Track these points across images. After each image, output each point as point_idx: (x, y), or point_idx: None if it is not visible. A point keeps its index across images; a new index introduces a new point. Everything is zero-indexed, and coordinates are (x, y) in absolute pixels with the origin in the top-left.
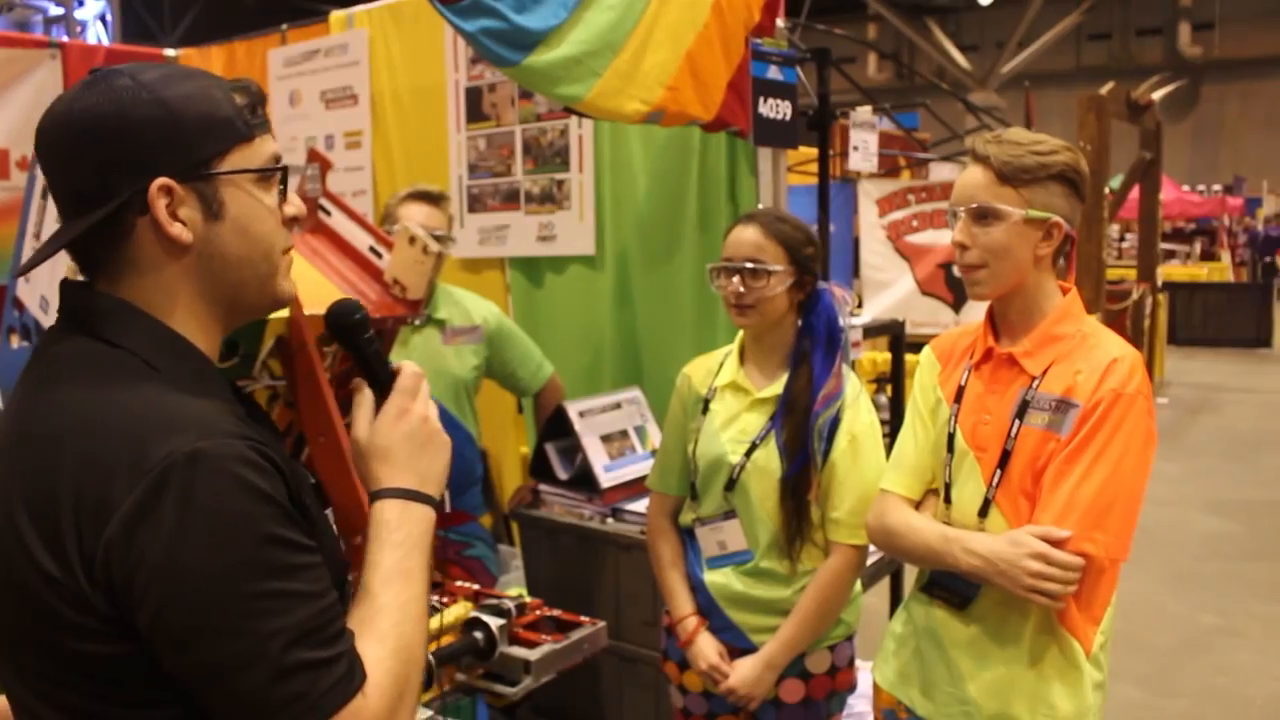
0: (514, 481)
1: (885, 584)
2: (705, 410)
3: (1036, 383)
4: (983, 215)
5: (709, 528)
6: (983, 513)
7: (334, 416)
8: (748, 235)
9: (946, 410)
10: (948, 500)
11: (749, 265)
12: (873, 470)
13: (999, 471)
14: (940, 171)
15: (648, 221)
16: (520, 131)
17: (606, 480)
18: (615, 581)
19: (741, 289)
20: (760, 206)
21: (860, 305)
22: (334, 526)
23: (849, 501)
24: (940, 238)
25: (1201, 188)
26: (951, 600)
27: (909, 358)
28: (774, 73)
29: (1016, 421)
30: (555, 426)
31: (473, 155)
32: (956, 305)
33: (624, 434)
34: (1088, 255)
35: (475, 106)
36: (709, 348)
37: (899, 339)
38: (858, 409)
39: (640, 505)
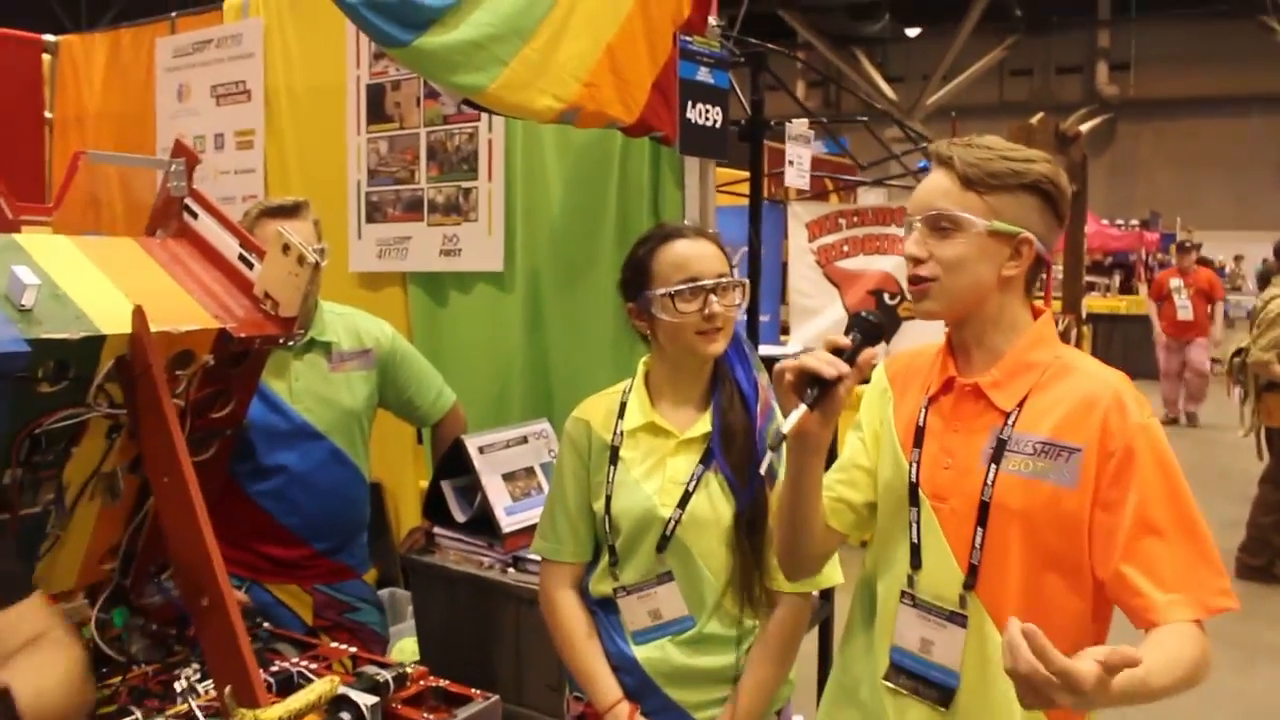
0: (413, 519)
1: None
2: (615, 460)
3: (1012, 419)
4: (940, 224)
5: (637, 596)
6: (967, 585)
7: (180, 455)
8: (706, 249)
9: (901, 458)
10: (916, 564)
11: (722, 281)
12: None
13: (980, 530)
14: (868, 197)
15: (562, 236)
16: (425, 135)
17: (508, 524)
18: (516, 639)
19: (720, 308)
20: (686, 221)
21: (787, 333)
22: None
23: None
24: (872, 264)
25: (1120, 222)
26: (929, 695)
27: None
28: (704, 75)
29: (992, 467)
30: (453, 462)
31: (373, 159)
32: (887, 336)
33: (529, 472)
34: None
35: (377, 106)
36: (625, 376)
37: None
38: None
39: None
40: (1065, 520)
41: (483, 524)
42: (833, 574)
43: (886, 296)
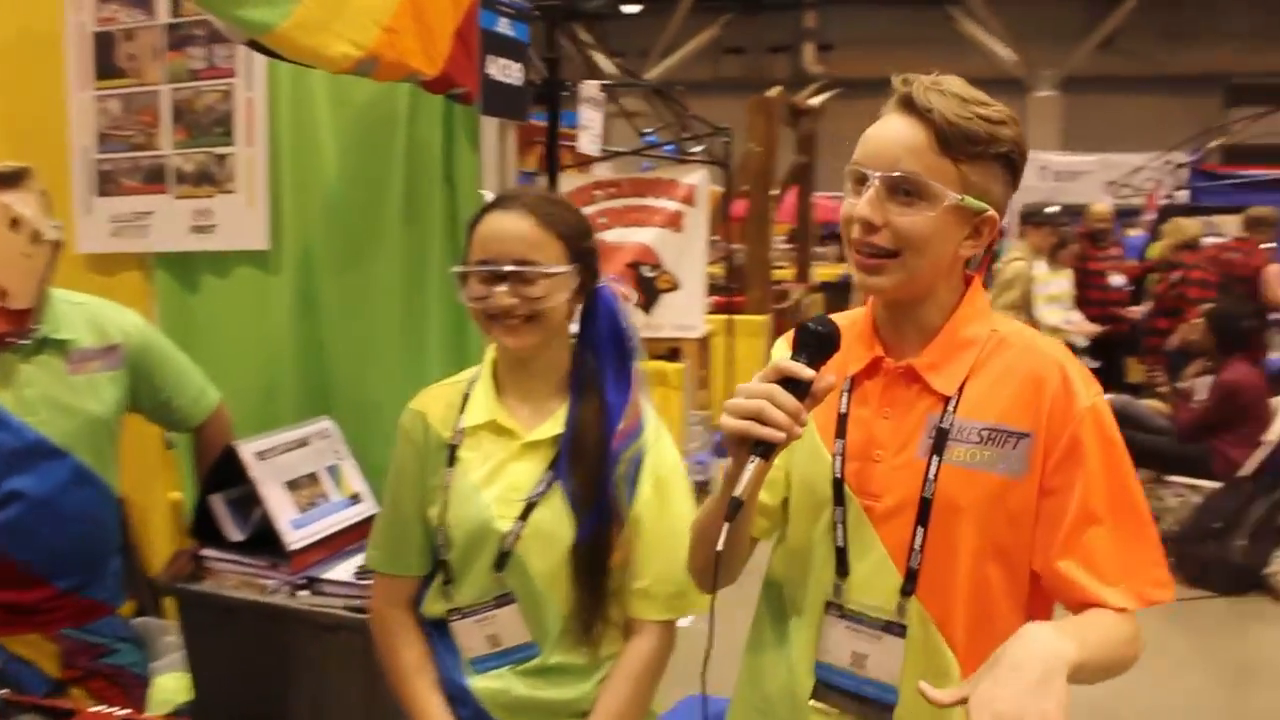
0: (163, 538)
1: None
2: (452, 461)
3: (952, 405)
4: (907, 190)
5: (474, 620)
6: (906, 590)
7: None
8: (514, 226)
9: (821, 450)
10: (843, 571)
11: (519, 268)
12: (683, 523)
13: (920, 530)
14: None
15: (339, 209)
16: (169, 92)
17: (296, 540)
18: (315, 675)
19: (514, 299)
20: (485, 190)
21: None
22: None
23: (657, 565)
24: (629, 236)
25: (833, 194)
26: (864, 714)
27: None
28: (504, 26)
29: (933, 459)
30: (223, 472)
31: (103, 122)
32: (646, 305)
33: (313, 478)
34: (757, 257)
35: (106, 58)
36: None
37: None
38: (660, 445)
39: (343, 570)
40: (1014, 512)
41: (263, 542)
42: (698, 600)
43: (645, 270)
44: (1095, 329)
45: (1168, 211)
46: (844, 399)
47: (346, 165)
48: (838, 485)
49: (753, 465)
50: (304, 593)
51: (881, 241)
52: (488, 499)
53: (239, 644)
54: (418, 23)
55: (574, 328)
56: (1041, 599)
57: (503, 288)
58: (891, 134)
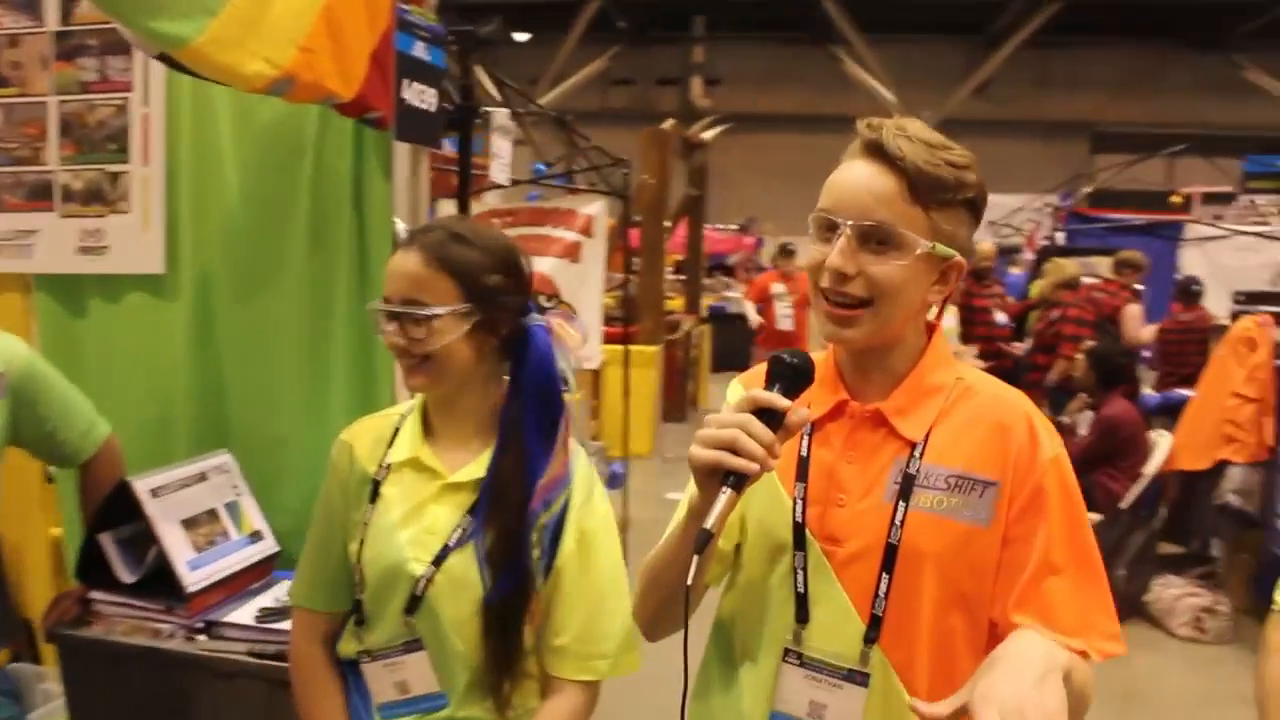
0: (41, 580)
1: None
2: (375, 497)
3: (919, 450)
4: (879, 239)
5: (383, 664)
6: (869, 638)
7: None
8: (403, 264)
9: (781, 494)
10: (803, 618)
11: (403, 308)
12: (608, 580)
13: (885, 576)
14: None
15: (242, 235)
16: (56, 105)
17: (193, 581)
18: None
19: (401, 340)
20: (397, 221)
21: None
22: None
23: (577, 623)
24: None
25: (720, 226)
26: None
27: None
28: (420, 50)
29: (900, 504)
30: (114, 509)
31: None
32: None
33: (212, 515)
34: (650, 287)
35: None
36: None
37: None
38: (591, 499)
39: (244, 613)
40: (977, 560)
41: (158, 583)
42: (630, 661)
43: (543, 299)
44: (981, 365)
45: (1046, 252)
46: (804, 442)
47: (250, 189)
48: (799, 529)
49: (724, 497)
50: (202, 637)
51: (855, 290)
52: (403, 539)
53: (129, 694)
54: (334, 43)
55: None
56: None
57: (391, 327)
58: (862, 182)
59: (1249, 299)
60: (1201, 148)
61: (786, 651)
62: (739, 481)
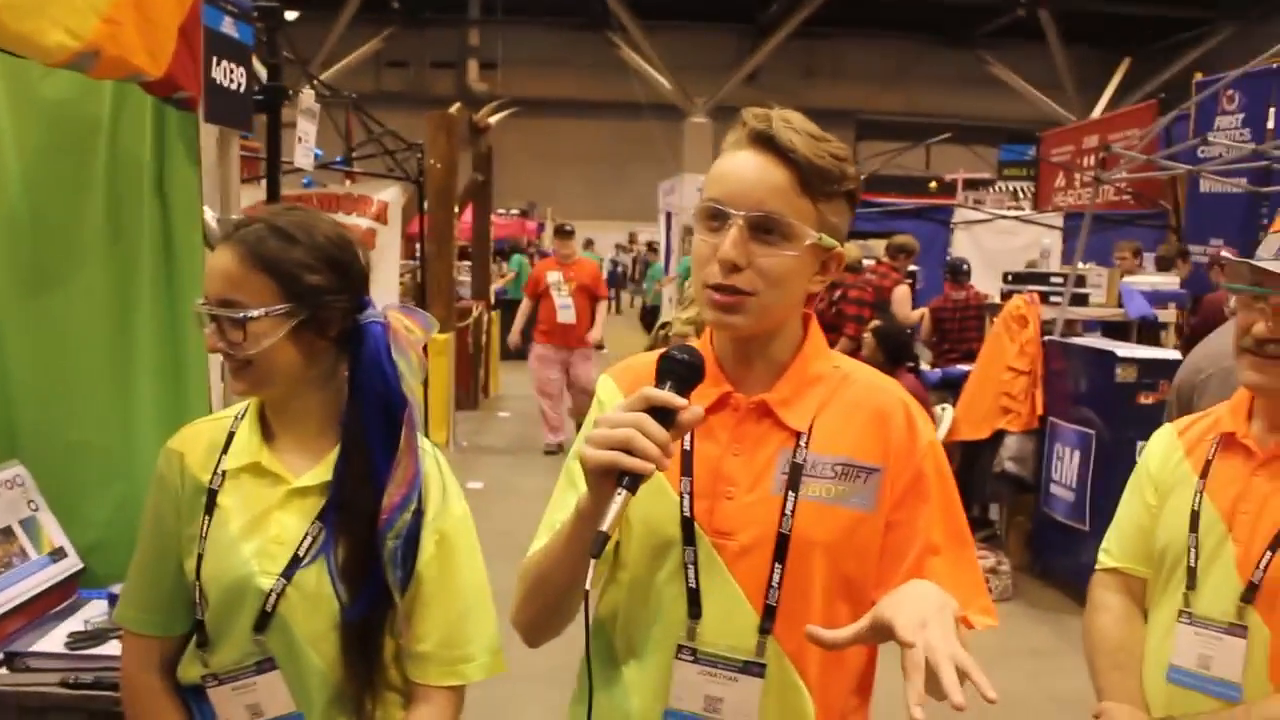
0: None
1: None
2: (210, 508)
3: (804, 440)
4: (768, 229)
5: (231, 687)
6: (764, 629)
7: None
8: (219, 262)
9: (667, 489)
10: (695, 613)
11: (217, 310)
12: (470, 582)
13: (778, 567)
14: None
15: (26, 225)
16: None
17: None
18: None
19: (220, 343)
20: (206, 211)
21: None
22: None
23: (440, 628)
24: None
25: (502, 210)
26: None
27: None
28: (228, 26)
29: (790, 495)
30: None
31: None
32: None
33: (7, 534)
34: (439, 274)
35: None
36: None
37: None
38: (447, 501)
39: (51, 640)
40: (863, 546)
41: None
42: (496, 663)
43: None
44: None
45: None
46: (687, 436)
47: (36, 175)
48: (687, 524)
49: (620, 498)
50: (2, 670)
51: (743, 284)
52: (248, 552)
53: None
54: (139, 15)
55: None
56: None
57: (209, 329)
58: (753, 173)
59: (1017, 279)
60: (960, 137)
61: (680, 648)
62: (634, 482)
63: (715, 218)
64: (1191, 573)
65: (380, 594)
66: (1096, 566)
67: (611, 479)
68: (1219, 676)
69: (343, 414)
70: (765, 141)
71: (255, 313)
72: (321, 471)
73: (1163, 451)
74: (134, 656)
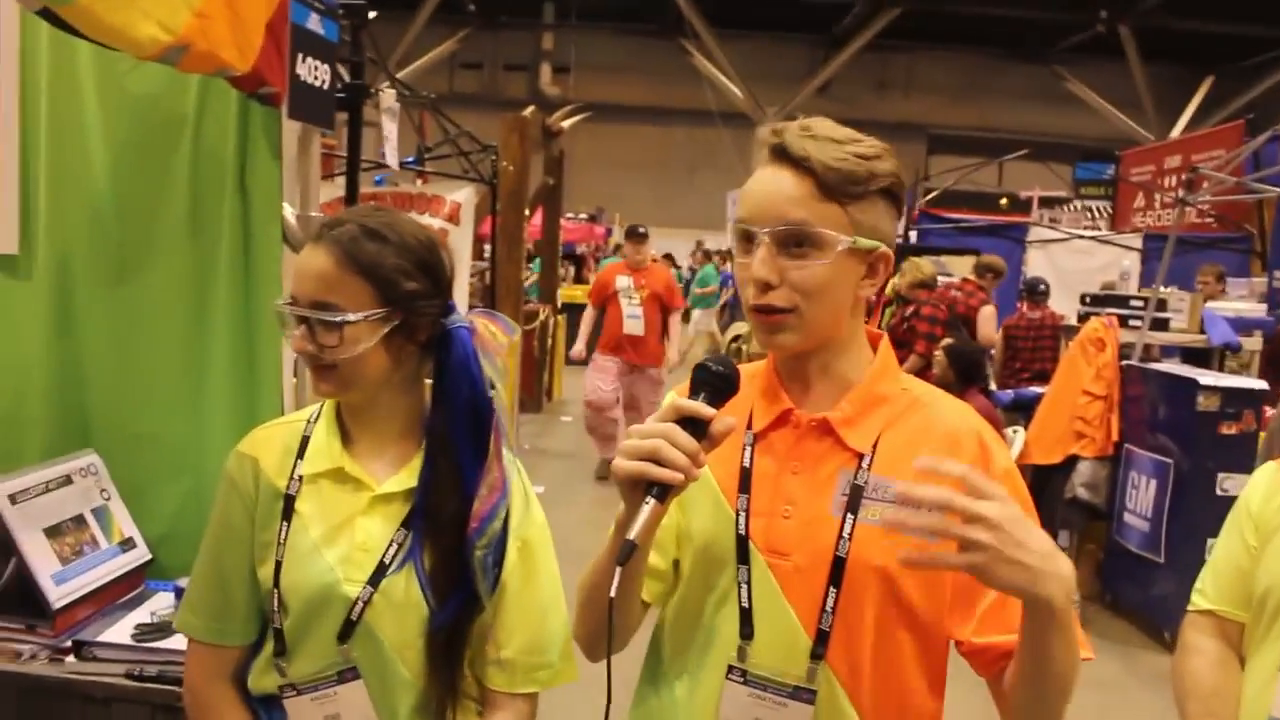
0: None
1: None
2: (289, 514)
3: (866, 461)
4: (798, 241)
5: (310, 697)
6: (816, 654)
7: None
8: (313, 263)
9: (724, 505)
10: (747, 634)
11: (312, 312)
12: (549, 589)
13: (833, 590)
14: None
15: (109, 214)
16: None
17: (59, 596)
18: None
19: (310, 346)
20: (286, 206)
21: None
22: None
23: (522, 635)
24: None
25: (570, 215)
26: None
27: None
28: (314, 23)
29: (848, 516)
30: None
31: None
32: None
33: (79, 522)
34: (509, 276)
35: None
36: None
37: None
38: (528, 510)
39: (118, 630)
40: (927, 576)
41: (18, 599)
42: (564, 671)
43: None
44: None
45: (901, 250)
46: (747, 453)
47: (119, 165)
48: (742, 542)
49: (648, 508)
50: (70, 659)
51: (780, 301)
52: (332, 559)
53: None
54: (230, 10)
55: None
56: (942, 674)
57: (298, 331)
58: (772, 187)
59: (1094, 301)
60: (1035, 154)
61: (730, 669)
62: (663, 492)
63: (746, 239)
64: None
65: (467, 601)
66: (1189, 608)
67: (641, 489)
68: None
69: (427, 420)
70: (781, 154)
71: (354, 317)
72: (405, 478)
73: (1266, 489)
74: (200, 667)
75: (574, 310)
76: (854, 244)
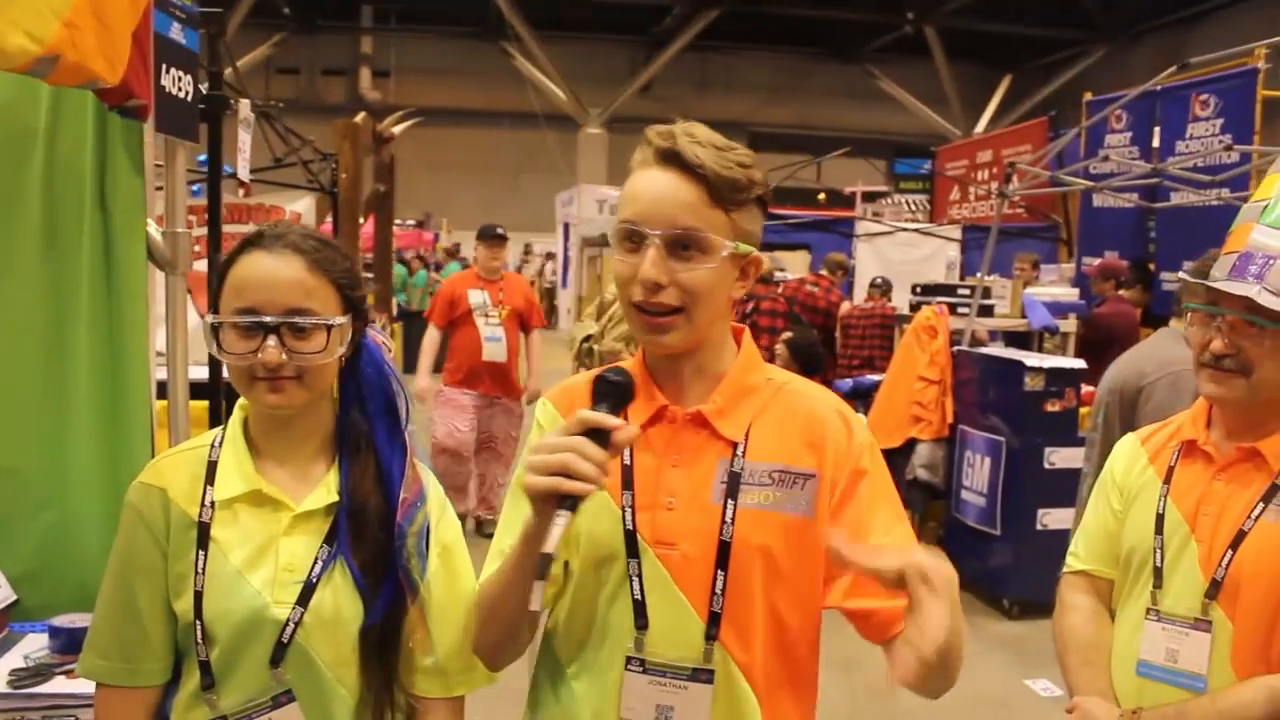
0: None
1: None
2: (205, 543)
3: (740, 449)
4: (685, 245)
5: None
6: (710, 635)
7: None
8: (284, 270)
9: (609, 503)
10: (642, 624)
11: (293, 319)
12: (471, 591)
13: (720, 573)
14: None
15: None
16: None
17: None
18: None
19: (282, 355)
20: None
21: None
22: None
23: (448, 639)
24: None
25: (397, 221)
26: None
27: None
28: (176, 32)
29: (729, 503)
30: None
31: None
32: None
33: None
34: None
35: None
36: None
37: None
38: (444, 509)
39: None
40: (804, 550)
41: None
42: (487, 674)
43: None
44: None
45: None
46: (627, 451)
47: None
48: (630, 537)
49: (563, 520)
50: None
51: (668, 300)
52: (257, 584)
53: None
54: (97, 20)
55: None
56: (817, 630)
57: (272, 342)
58: (665, 191)
59: (925, 291)
60: (852, 150)
61: (629, 659)
62: (574, 502)
63: (632, 238)
64: (1158, 572)
65: (396, 597)
66: (1064, 570)
67: (553, 502)
68: (1186, 669)
69: (341, 422)
70: (672, 159)
71: (337, 321)
72: (323, 494)
73: (1127, 459)
74: (113, 712)
75: (406, 319)
76: (735, 249)
